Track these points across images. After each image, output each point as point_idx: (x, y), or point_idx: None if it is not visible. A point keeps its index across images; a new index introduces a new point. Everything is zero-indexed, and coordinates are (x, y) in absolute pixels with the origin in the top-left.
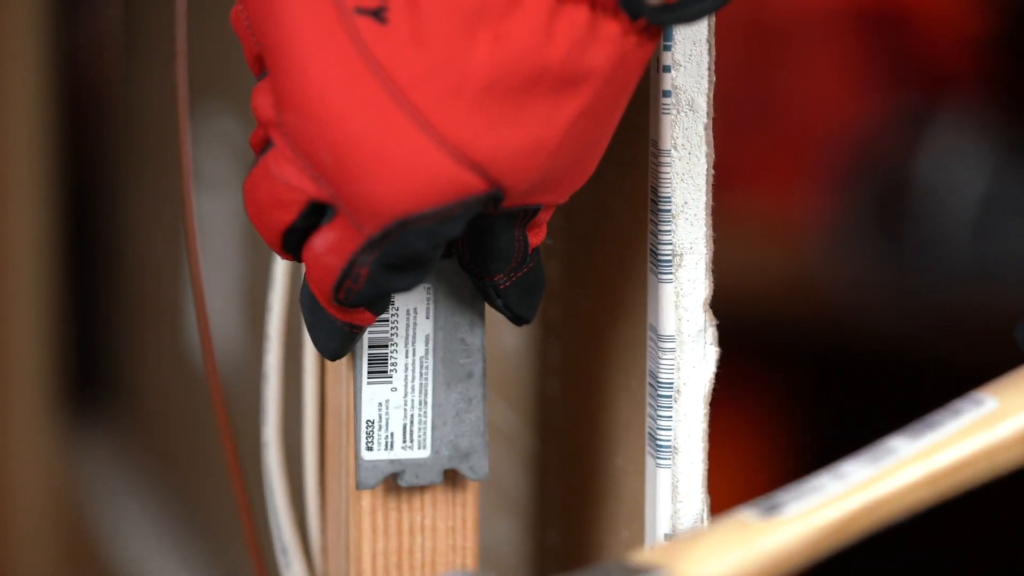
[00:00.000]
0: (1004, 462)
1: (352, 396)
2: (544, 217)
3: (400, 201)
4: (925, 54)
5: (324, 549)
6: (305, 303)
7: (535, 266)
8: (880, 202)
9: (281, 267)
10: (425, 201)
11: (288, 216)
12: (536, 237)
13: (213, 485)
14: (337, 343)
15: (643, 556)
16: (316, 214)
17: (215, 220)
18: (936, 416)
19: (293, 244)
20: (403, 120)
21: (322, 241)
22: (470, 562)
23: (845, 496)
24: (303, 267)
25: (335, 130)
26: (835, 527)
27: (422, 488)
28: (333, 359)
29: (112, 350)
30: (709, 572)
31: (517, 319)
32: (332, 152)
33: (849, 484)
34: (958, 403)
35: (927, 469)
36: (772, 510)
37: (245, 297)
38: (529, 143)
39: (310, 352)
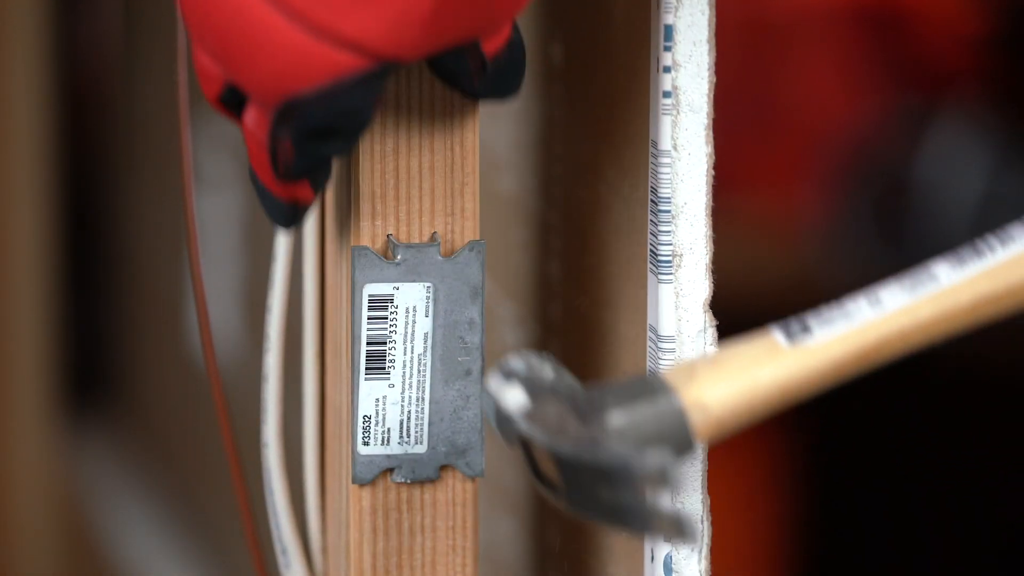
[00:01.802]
0: None
1: (350, 392)
2: (493, 37)
3: (277, 84)
4: (925, 54)
5: (324, 549)
6: (251, 177)
7: (511, 53)
8: (879, 202)
9: (281, 268)
10: (301, 83)
11: (214, 89)
12: (494, 44)
13: (213, 485)
14: (285, 218)
15: (666, 374)
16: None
17: (215, 220)
18: (986, 242)
19: (232, 110)
20: (267, 8)
21: (248, 117)
22: (470, 562)
23: (878, 324)
24: (302, 263)
25: (212, 21)
26: (863, 354)
27: (422, 488)
28: (287, 228)
29: (112, 350)
30: (721, 395)
31: (501, 100)
32: (215, 42)
33: (883, 311)
34: (1012, 228)
35: (966, 298)
36: (802, 333)
37: (245, 297)
38: (400, 13)
39: (310, 352)
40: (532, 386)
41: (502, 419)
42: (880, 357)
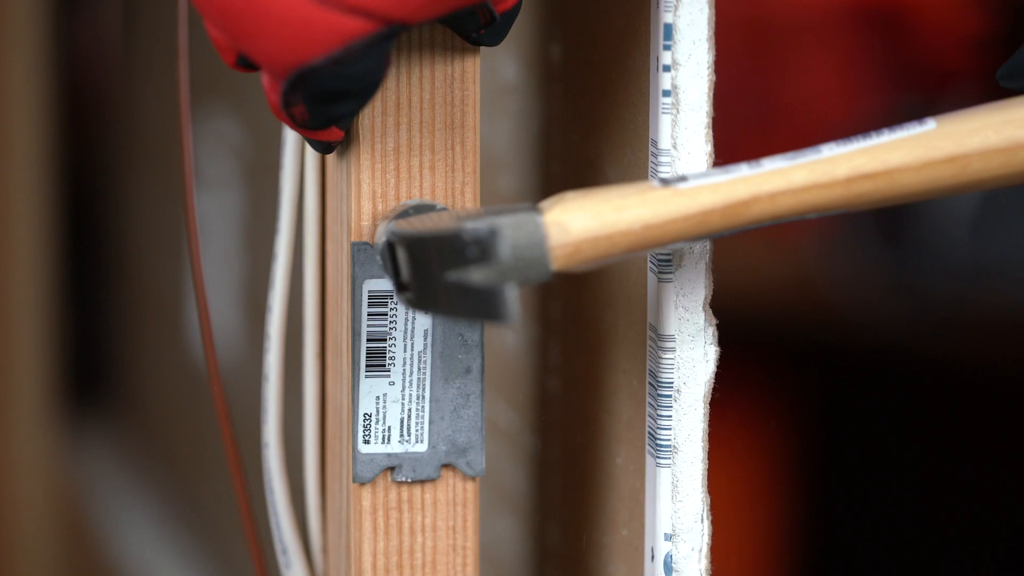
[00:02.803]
0: (917, 181)
1: (350, 391)
2: None
3: (286, 55)
4: (925, 53)
5: (324, 549)
6: None
7: (519, 4)
8: None
9: (281, 267)
10: (310, 52)
11: (230, 58)
12: (510, 1)
13: (213, 485)
14: (322, 150)
15: (538, 203)
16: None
17: (215, 220)
18: (877, 131)
19: (252, 68)
20: None
21: (263, 80)
22: (470, 561)
23: (749, 179)
24: (302, 263)
25: None
26: (730, 205)
27: (422, 488)
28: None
29: (112, 350)
30: (582, 219)
31: (492, 45)
32: (221, 17)
33: (758, 171)
34: (907, 122)
35: (841, 170)
36: (676, 181)
37: (245, 297)
38: None
39: (310, 352)
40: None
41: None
42: (748, 213)
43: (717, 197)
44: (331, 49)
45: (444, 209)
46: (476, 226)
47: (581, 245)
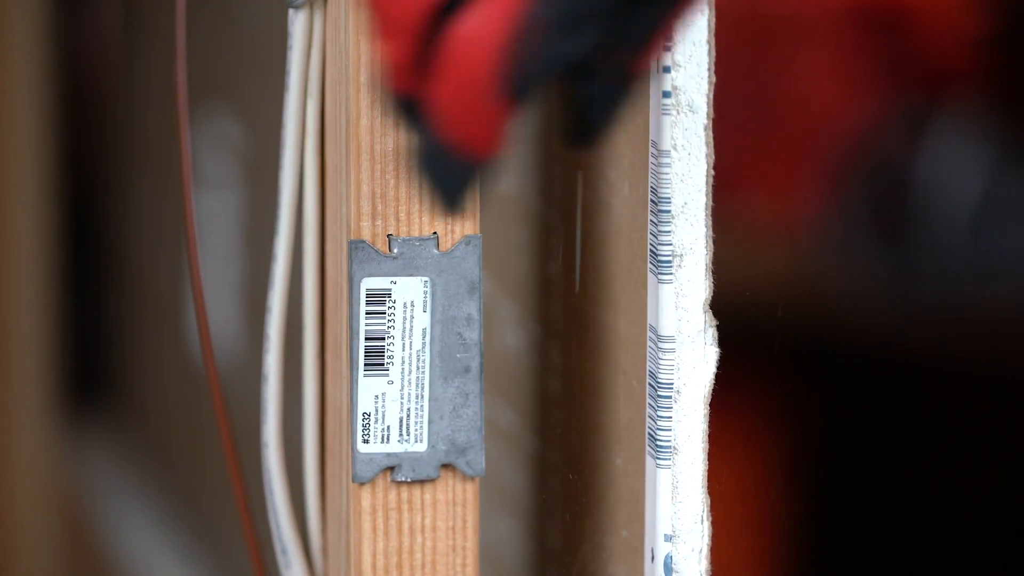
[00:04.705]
0: None
1: (349, 389)
2: None
3: None
4: (925, 53)
5: (324, 549)
6: (424, 158)
7: None
8: (879, 201)
9: (281, 268)
10: None
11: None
12: None
13: (213, 485)
14: (463, 188)
15: None
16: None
17: (215, 220)
18: None
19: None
20: None
21: (480, 12)
22: (470, 562)
23: None
24: (302, 263)
25: None
26: None
27: (422, 488)
28: (458, 210)
29: (112, 350)
30: None
31: None
32: None
33: None
34: None
35: None
36: None
37: (245, 297)
38: None
39: (310, 352)
40: None
41: None
42: None
43: None
44: None
45: None
46: None
47: None
